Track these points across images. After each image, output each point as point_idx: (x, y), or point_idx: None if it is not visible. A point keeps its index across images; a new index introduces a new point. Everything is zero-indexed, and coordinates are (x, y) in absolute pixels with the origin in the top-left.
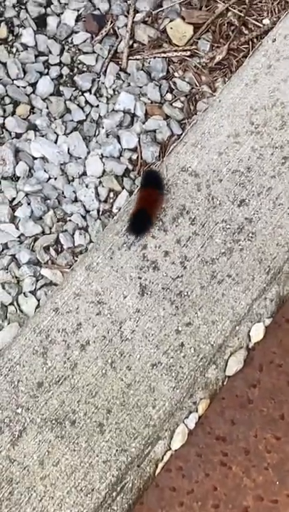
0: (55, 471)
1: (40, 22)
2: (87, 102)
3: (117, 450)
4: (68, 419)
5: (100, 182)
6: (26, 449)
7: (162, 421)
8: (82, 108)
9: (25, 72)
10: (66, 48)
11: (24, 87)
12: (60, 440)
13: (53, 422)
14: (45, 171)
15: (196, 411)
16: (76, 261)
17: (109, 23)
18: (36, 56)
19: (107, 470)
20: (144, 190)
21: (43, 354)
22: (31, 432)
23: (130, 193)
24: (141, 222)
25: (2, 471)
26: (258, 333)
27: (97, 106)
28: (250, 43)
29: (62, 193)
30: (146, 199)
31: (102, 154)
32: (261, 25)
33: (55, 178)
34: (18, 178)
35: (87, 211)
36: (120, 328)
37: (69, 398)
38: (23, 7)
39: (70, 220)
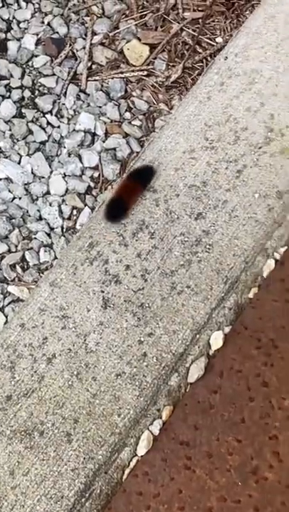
0: (25, 481)
1: (1, 47)
2: (48, 123)
3: (84, 458)
4: (37, 430)
5: (63, 200)
6: None
7: (128, 428)
8: (44, 129)
9: None
10: (27, 71)
11: None
12: (29, 451)
13: (22, 433)
14: (9, 191)
15: (160, 418)
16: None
17: (68, 45)
18: None
19: (76, 477)
20: (129, 181)
21: (11, 368)
22: (1, 444)
23: (92, 209)
24: (117, 210)
25: None
26: (217, 340)
27: (59, 126)
28: (205, 61)
29: (27, 211)
30: (128, 190)
31: (64, 173)
32: (215, 44)
33: (20, 198)
34: None
35: (52, 229)
36: (85, 340)
37: (37, 410)
38: None
39: (35, 238)
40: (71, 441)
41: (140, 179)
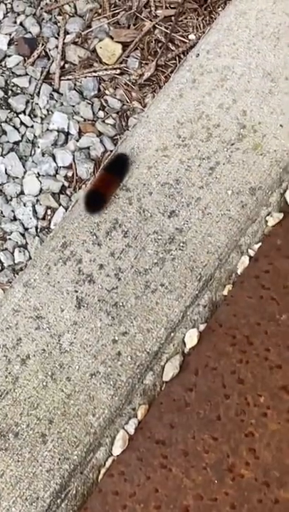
0: (0, 483)
1: None
2: (22, 123)
3: (59, 459)
4: (11, 431)
5: (38, 200)
6: None
7: (103, 428)
8: (17, 129)
9: None
10: (0, 71)
11: None
12: (4, 452)
13: None
14: None
15: (136, 416)
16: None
17: (41, 45)
18: None
19: (51, 478)
20: (106, 174)
21: None
22: None
23: (66, 209)
24: (95, 202)
25: None
26: (192, 338)
27: (32, 126)
28: (178, 58)
29: (1, 212)
30: (105, 183)
31: (38, 173)
32: (187, 41)
33: None
34: None
35: (26, 229)
36: (59, 340)
37: (11, 411)
38: None
39: (9, 239)
40: (46, 441)
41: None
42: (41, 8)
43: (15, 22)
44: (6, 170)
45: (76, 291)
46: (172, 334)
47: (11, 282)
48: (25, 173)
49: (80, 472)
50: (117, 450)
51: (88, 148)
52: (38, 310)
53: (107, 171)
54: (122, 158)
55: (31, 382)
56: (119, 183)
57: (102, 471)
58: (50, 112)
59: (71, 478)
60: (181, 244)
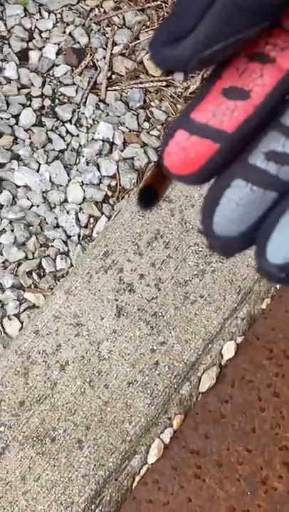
0: (36, 486)
1: (23, 56)
2: (67, 131)
3: (95, 465)
4: (48, 436)
5: (81, 208)
6: (9, 465)
7: (138, 436)
8: (63, 138)
9: (8, 104)
10: (47, 80)
11: (7, 119)
12: (40, 456)
13: (34, 439)
14: (28, 198)
15: (171, 426)
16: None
17: (89, 55)
18: (19, 89)
19: (86, 484)
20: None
21: (25, 374)
22: (13, 449)
23: (109, 218)
24: (148, 198)
25: None
26: (229, 350)
27: (78, 135)
28: None
29: (45, 219)
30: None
31: (82, 182)
32: None
33: (38, 206)
34: (2, 206)
35: (68, 236)
36: (98, 348)
37: (49, 416)
38: (6, 42)
39: (51, 246)
40: (82, 447)
41: None
42: (90, 19)
43: (64, 32)
44: (50, 177)
45: (116, 300)
46: (210, 345)
47: (52, 288)
48: (69, 181)
49: (114, 479)
50: (151, 459)
51: (132, 158)
52: (79, 317)
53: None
54: None
55: (69, 388)
56: (171, 181)
57: (137, 478)
58: (95, 122)
59: (106, 485)
60: (222, 257)
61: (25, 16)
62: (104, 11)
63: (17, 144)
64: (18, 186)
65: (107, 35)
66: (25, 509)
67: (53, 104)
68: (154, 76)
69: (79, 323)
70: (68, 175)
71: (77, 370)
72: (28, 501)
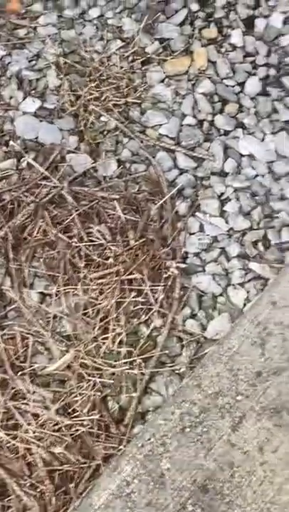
0: (273, 458)
1: (249, 23)
2: None
3: None
4: (286, 409)
5: None
6: (246, 434)
7: None
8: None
9: (234, 72)
10: (273, 49)
11: (233, 86)
12: (278, 428)
13: (271, 410)
14: (252, 168)
15: None
16: (285, 257)
17: None
18: (244, 56)
19: None
20: None
21: (261, 345)
22: (251, 419)
23: None
24: None
25: (224, 455)
26: None
27: None
28: None
29: (270, 190)
30: None
31: None
32: None
33: (263, 176)
34: (227, 173)
35: None
36: None
37: (287, 389)
38: (233, 8)
39: (277, 217)
40: None
41: None
42: None
43: None
44: (276, 148)
45: None
46: None
47: (278, 261)
48: None
49: None
50: None
51: None
52: None
53: None
54: None
55: None
56: None
57: None
58: None
59: None
60: None
61: None
62: None
63: (242, 112)
64: (242, 155)
65: None
66: (263, 480)
67: (278, 74)
68: None
69: None
70: None
71: None
72: (265, 472)
